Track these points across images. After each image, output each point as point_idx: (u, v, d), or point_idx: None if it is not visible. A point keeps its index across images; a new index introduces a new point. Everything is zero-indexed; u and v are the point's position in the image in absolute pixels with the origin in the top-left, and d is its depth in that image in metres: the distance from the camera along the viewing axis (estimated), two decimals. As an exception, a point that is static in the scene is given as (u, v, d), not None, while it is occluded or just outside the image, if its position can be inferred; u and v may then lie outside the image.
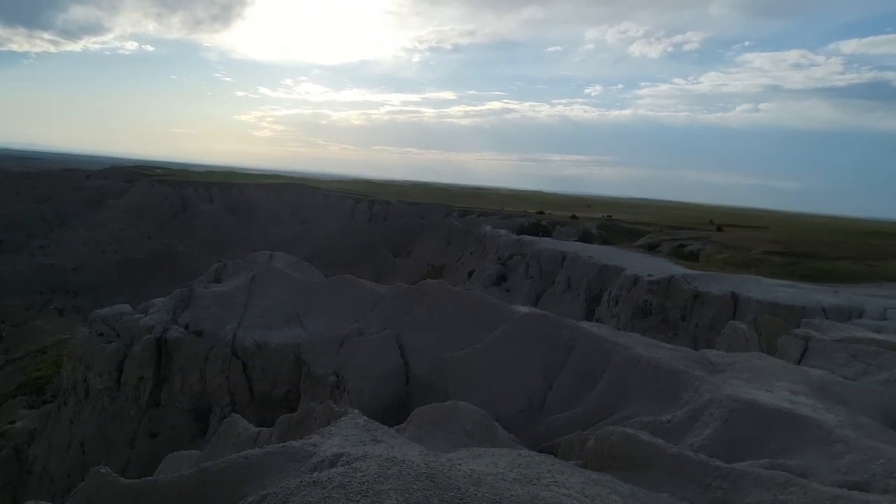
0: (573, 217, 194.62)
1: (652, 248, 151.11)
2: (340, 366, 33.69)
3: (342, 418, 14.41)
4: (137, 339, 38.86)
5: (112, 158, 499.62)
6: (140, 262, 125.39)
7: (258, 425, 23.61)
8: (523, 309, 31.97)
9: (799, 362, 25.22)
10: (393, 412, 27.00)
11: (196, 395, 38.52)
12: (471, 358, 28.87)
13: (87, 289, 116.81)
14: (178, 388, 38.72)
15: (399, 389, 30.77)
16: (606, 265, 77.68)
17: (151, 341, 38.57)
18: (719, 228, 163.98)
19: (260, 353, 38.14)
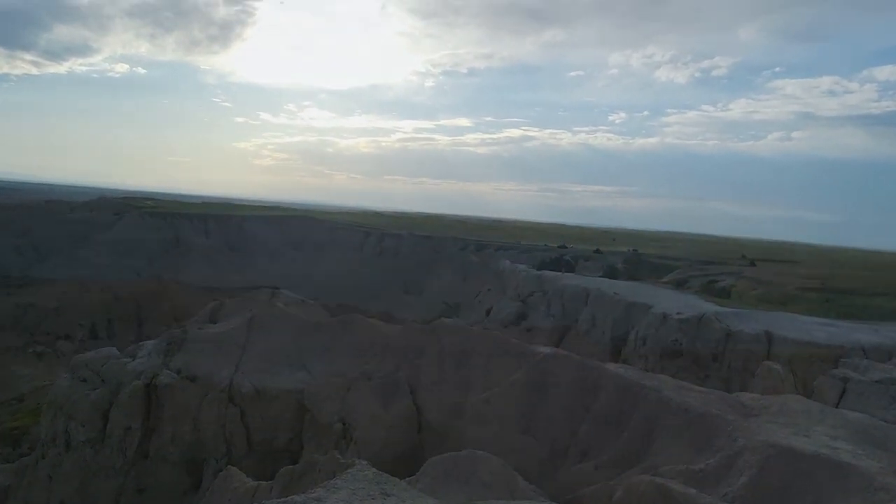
0: (597, 251, 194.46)
1: (681, 284, 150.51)
2: (347, 413, 33.64)
3: (349, 470, 14.44)
4: (124, 386, 38.78)
5: (99, 189, 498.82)
6: (128, 301, 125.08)
7: (256, 478, 23.61)
8: (545, 350, 32.01)
9: (837, 405, 25.28)
10: (404, 462, 26.96)
11: (188, 445, 38.23)
12: (488, 403, 28.89)
13: (69, 331, 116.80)
14: (169, 439, 38.40)
15: (411, 438, 30.76)
16: (633, 303, 77.67)
17: (140, 388, 38.48)
18: (752, 263, 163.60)
19: (259, 399, 38.05)
